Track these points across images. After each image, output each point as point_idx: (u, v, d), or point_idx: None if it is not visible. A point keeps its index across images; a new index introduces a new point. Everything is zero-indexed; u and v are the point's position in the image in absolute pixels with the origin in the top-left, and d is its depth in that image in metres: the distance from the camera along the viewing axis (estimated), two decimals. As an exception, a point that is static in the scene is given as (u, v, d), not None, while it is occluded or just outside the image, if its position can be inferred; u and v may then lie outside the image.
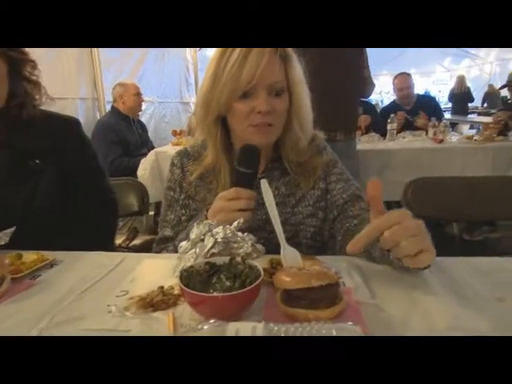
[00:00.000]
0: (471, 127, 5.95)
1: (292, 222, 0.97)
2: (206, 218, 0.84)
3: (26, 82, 1.04)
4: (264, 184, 0.78)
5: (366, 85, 2.52)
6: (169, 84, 5.17)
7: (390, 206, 0.96)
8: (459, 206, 1.65)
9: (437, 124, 3.10)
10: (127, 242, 1.55)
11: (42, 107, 1.09)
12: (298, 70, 0.92)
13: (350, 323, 0.48)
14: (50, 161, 1.06)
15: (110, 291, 0.72)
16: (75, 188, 1.11)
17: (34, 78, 1.06)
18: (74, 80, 3.32)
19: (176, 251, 0.92)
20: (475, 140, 2.85)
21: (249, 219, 0.80)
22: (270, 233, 0.95)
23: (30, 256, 0.85)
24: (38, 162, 1.04)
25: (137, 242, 1.62)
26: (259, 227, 0.94)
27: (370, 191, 0.66)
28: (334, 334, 0.45)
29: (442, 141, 2.86)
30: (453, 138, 3.12)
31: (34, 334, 0.58)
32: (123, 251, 1.47)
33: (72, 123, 1.16)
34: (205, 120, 0.93)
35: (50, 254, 0.87)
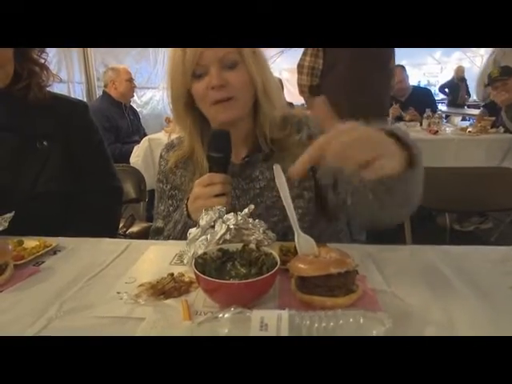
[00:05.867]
0: (463, 119, 5.99)
1: (279, 205, 0.94)
2: (187, 207, 0.84)
3: (34, 64, 1.04)
4: (277, 169, 0.76)
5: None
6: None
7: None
8: (452, 197, 1.66)
9: (431, 115, 3.12)
10: (124, 230, 1.52)
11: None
12: None
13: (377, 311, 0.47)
14: (56, 143, 1.04)
15: (119, 278, 0.70)
16: (80, 173, 1.08)
17: (42, 60, 1.06)
18: (68, 63, 3.23)
19: None
20: (469, 132, 2.87)
21: (226, 204, 0.78)
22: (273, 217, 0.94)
23: (31, 242, 0.82)
24: (45, 143, 1.03)
25: (134, 229, 1.59)
26: (260, 215, 0.93)
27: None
28: (362, 321, 0.44)
29: (436, 132, 2.88)
30: (447, 129, 3.14)
31: (42, 322, 0.57)
32: (120, 238, 1.45)
33: (80, 106, 1.16)
34: (174, 109, 0.94)
35: (52, 240, 0.84)
